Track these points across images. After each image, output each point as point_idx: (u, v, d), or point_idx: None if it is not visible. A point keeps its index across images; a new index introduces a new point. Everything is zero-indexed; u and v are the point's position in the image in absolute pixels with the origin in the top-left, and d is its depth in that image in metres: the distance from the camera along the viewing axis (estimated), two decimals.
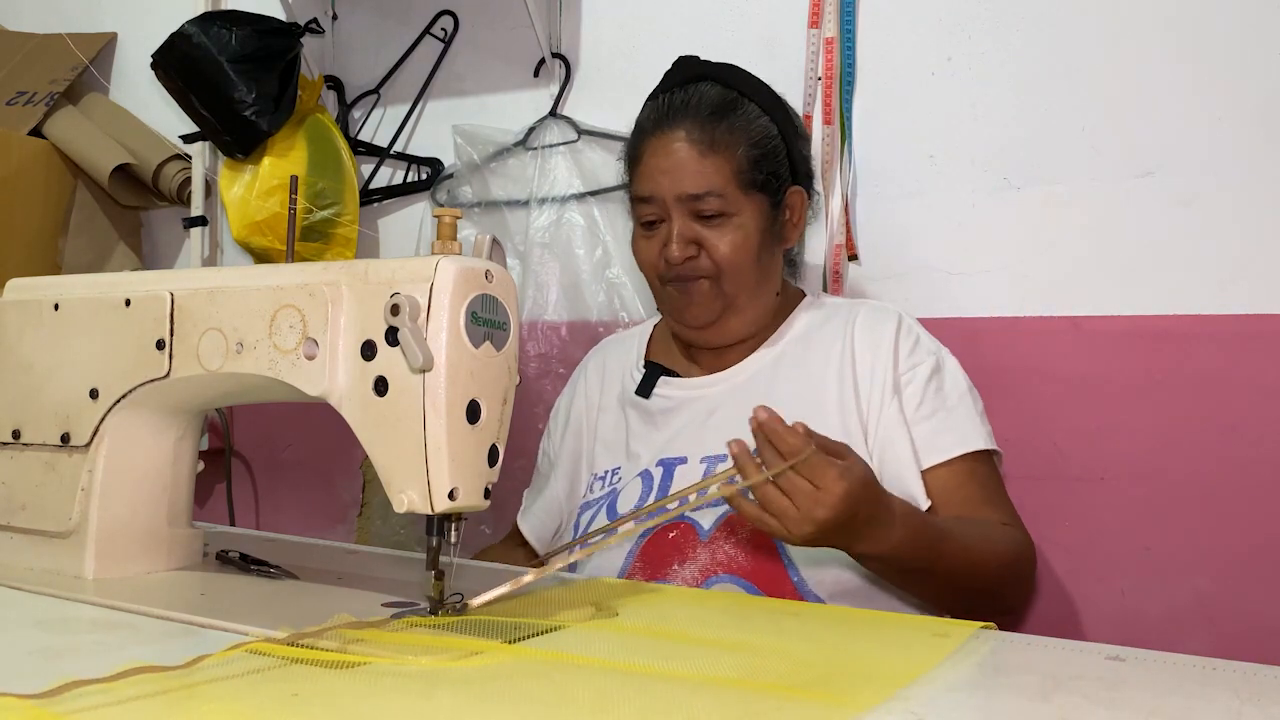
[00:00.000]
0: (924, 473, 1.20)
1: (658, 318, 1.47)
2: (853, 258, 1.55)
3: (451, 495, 0.83)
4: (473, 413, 0.84)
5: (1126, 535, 1.39)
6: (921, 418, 1.22)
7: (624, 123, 1.73)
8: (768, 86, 1.34)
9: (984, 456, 1.23)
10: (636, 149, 1.32)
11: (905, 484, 1.19)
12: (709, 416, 1.29)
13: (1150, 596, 1.38)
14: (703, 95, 1.29)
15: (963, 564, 1.11)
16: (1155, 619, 1.38)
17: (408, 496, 0.83)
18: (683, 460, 1.26)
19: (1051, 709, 0.68)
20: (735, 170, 1.26)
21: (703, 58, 1.36)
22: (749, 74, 1.34)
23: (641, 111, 1.35)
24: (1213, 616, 1.35)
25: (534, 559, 1.38)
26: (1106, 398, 1.41)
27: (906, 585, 1.15)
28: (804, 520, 0.96)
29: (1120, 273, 1.42)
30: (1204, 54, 1.38)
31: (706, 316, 1.29)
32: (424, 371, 0.81)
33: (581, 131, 1.77)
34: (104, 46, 2.27)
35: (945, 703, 0.69)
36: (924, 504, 1.19)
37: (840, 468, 0.97)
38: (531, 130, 1.81)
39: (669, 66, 1.36)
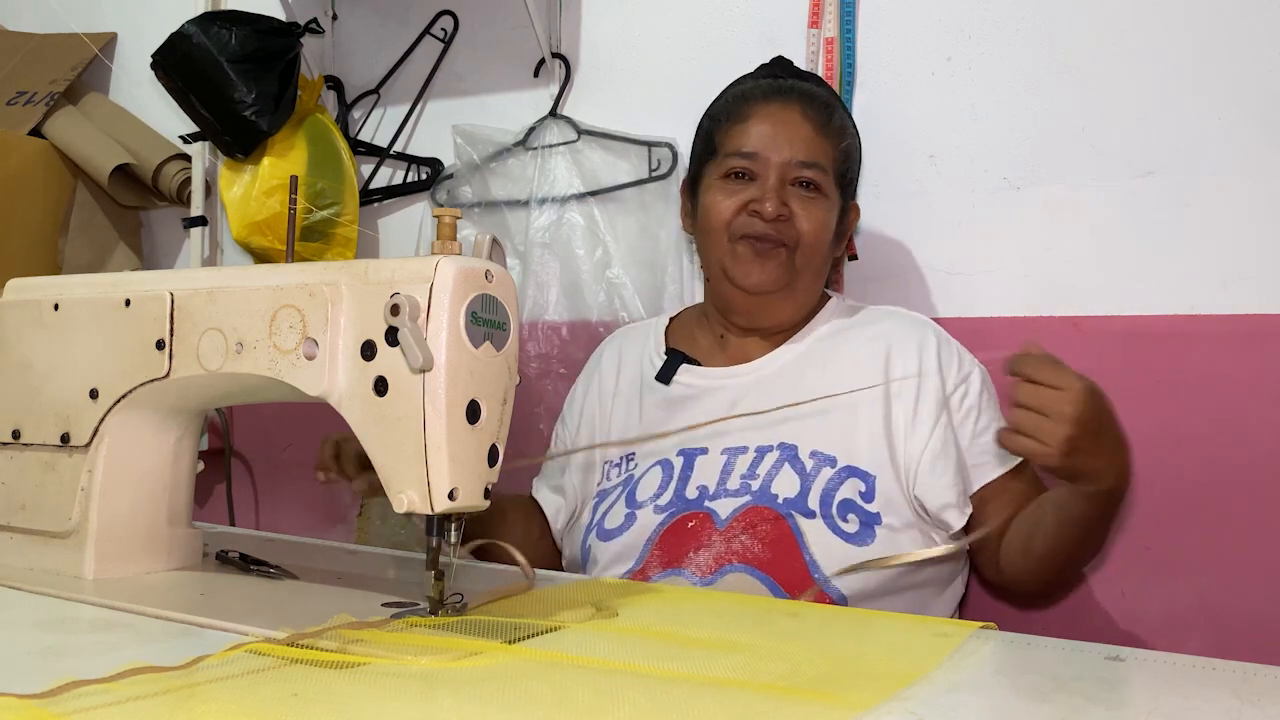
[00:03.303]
0: (992, 484, 1.23)
1: (666, 314, 1.47)
2: (853, 258, 1.55)
3: (451, 495, 0.83)
4: (473, 413, 0.84)
5: (1126, 535, 1.39)
6: (981, 430, 1.25)
7: (624, 123, 1.75)
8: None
9: (1025, 462, 1.24)
10: (741, 111, 1.34)
11: (945, 498, 1.21)
12: (731, 408, 1.29)
13: (1150, 596, 1.38)
14: (813, 90, 1.36)
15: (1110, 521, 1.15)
16: (1155, 619, 1.38)
17: (408, 496, 0.83)
18: (703, 451, 1.26)
19: (1051, 709, 0.68)
20: (835, 157, 1.33)
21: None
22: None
23: (739, 86, 1.39)
24: (1213, 616, 1.35)
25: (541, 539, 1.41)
26: None
27: (1079, 536, 1.15)
28: (1058, 421, 0.98)
29: (1120, 273, 1.42)
30: (1204, 54, 1.38)
31: (773, 281, 1.29)
32: (424, 371, 0.81)
33: (581, 131, 1.77)
34: (104, 46, 2.27)
35: (945, 703, 0.68)
36: (959, 522, 1.21)
37: (1074, 372, 1.00)
38: (531, 130, 1.81)
39: (766, 61, 1.44)
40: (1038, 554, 1.17)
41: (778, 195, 1.28)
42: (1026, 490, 1.23)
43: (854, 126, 1.39)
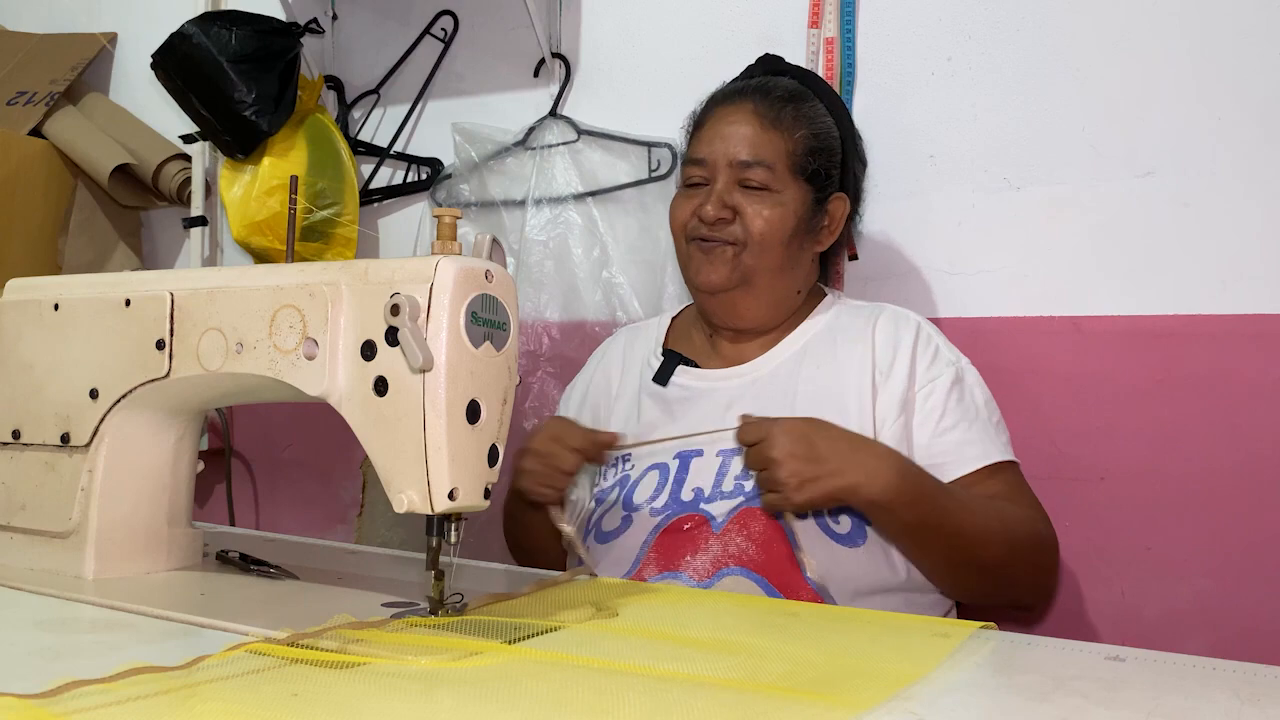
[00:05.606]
0: (954, 484, 1.20)
1: (668, 313, 1.47)
2: (853, 257, 1.55)
3: (451, 495, 0.83)
4: (473, 413, 0.84)
5: (1126, 535, 1.39)
6: (944, 429, 1.23)
7: (624, 123, 1.75)
8: (842, 102, 1.42)
9: (1007, 465, 1.24)
10: (702, 116, 1.37)
11: None
12: (727, 410, 1.28)
13: (1150, 596, 1.38)
14: (779, 83, 1.36)
15: (969, 527, 1.15)
16: (1155, 619, 1.38)
17: (408, 496, 0.83)
18: (699, 453, 1.26)
19: (1051, 709, 0.68)
20: (790, 151, 1.30)
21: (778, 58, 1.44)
22: (827, 84, 1.43)
23: (714, 90, 1.40)
24: (1213, 616, 1.35)
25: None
26: (1106, 398, 1.41)
27: (915, 547, 1.16)
28: (774, 467, 1.07)
29: (1120, 273, 1.42)
30: (1204, 54, 1.38)
31: (722, 280, 1.30)
32: (424, 371, 0.82)
33: (581, 131, 1.77)
34: (104, 47, 2.27)
35: (945, 703, 0.69)
36: None
37: (771, 418, 1.10)
38: (531, 130, 1.81)
39: (751, 61, 1.44)
40: (923, 570, 1.21)
41: (720, 199, 1.29)
42: (999, 491, 1.22)
43: (830, 115, 1.35)
